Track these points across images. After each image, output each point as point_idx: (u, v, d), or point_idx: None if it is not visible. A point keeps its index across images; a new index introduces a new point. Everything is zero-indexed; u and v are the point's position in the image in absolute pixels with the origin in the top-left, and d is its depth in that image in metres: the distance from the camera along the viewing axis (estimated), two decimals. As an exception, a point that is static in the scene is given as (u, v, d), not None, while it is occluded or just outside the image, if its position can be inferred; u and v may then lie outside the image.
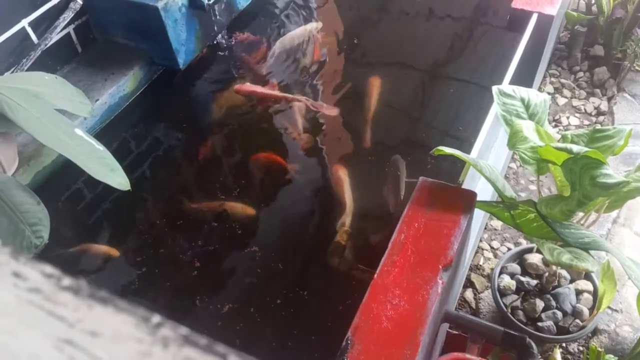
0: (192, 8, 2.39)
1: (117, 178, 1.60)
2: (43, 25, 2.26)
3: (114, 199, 2.10)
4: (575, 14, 2.63)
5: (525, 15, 1.99)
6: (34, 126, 1.56)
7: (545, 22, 1.99)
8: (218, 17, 2.59)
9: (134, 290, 1.85)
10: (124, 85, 2.38)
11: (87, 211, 2.12)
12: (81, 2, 2.31)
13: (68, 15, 2.29)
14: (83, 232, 2.07)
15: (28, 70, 2.17)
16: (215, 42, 2.70)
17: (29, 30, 2.21)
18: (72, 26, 2.40)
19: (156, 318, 0.25)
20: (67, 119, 1.68)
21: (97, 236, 2.04)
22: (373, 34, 2.82)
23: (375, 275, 1.23)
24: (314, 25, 2.80)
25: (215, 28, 2.61)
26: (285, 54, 2.71)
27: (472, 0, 3.03)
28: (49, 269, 0.25)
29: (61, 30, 2.32)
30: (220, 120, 2.45)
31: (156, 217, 2.11)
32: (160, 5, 2.23)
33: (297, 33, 2.78)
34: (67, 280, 0.25)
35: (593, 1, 2.67)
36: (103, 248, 1.96)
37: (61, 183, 2.16)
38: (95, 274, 1.93)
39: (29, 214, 1.52)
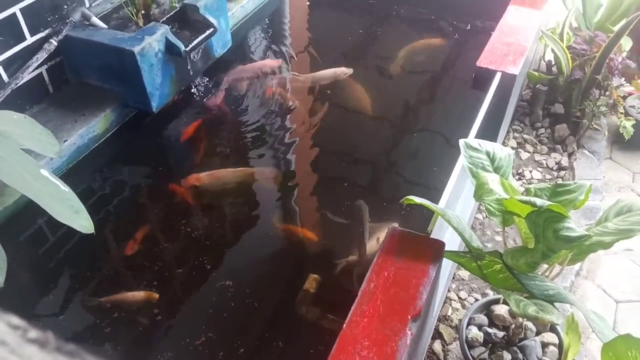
0: (168, 54, 2.43)
1: (80, 220, 1.56)
2: (15, 64, 2.24)
3: (77, 241, 2.04)
4: (536, 73, 2.77)
5: (489, 74, 2.09)
6: (-2, 165, 1.52)
7: (508, 80, 2.10)
8: (194, 63, 2.63)
9: (105, 333, 1.78)
10: (94, 127, 2.36)
11: (49, 254, 2.04)
12: (56, 44, 2.32)
13: (42, 55, 2.28)
14: (44, 275, 1.98)
15: (-4, 108, 2.13)
16: (190, 87, 2.73)
17: (0, 69, 2.19)
18: (45, 67, 2.39)
19: (124, 372, 0.24)
20: (33, 159, 1.64)
21: (58, 280, 1.96)
22: (343, 86, 2.90)
23: (344, 326, 1.21)
24: (343, 70, 2.92)
25: (191, 73, 2.65)
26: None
27: (439, 59, 3.17)
28: (15, 320, 0.24)
29: (33, 70, 2.31)
30: (189, 162, 2.44)
31: (119, 259, 2.05)
32: (136, 50, 2.25)
33: (325, 73, 2.91)
34: (33, 333, 0.24)
35: (553, 62, 2.83)
36: (141, 294, 1.89)
37: (23, 224, 2.08)
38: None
39: (-15, 256, 1.45)
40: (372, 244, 2.04)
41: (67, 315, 1.86)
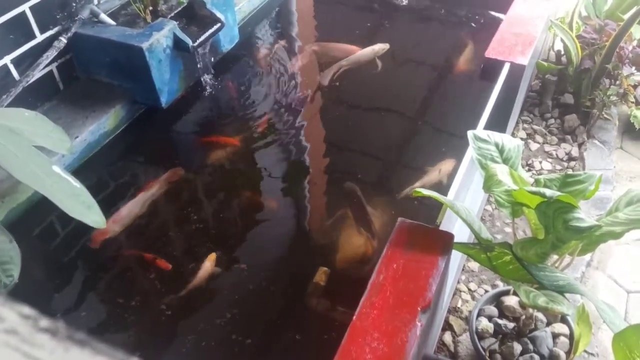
0: (176, 49, 2.44)
1: (92, 216, 1.58)
2: (25, 62, 2.26)
3: (89, 237, 2.06)
4: (545, 63, 2.75)
5: (498, 65, 2.07)
6: (11, 162, 1.54)
7: (517, 71, 2.08)
8: (202, 58, 2.64)
9: (118, 323, 1.81)
10: (104, 123, 2.38)
11: (61, 249, 2.07)
12: (65, 41, 2.33)
13: (51, 53, 2.30)
14: (57, 270, 2.01)
15: (8, 106, 2.16)
16: (198, 82, 2.74)
17: (11, 67, 2.21)
18: (55, 64, 2.41)
19: (134, 361, 0.25)
20: (45, 156, 1.66)
21: (71, 275, 1.99)
22: (352, 79, 2.89)
23: (354, 317, 1.22)
24: (380, 46, 2.94)
25: (199, 69, 2.66)
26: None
27: (448, 49, 3.15)
28: (26, 309, 0.25)
29: (44, 68, 2.33)
30: (199, 156, 2.46)
31: (130, 253, 2.08)
32: (145, 46, 2.26)
33: (364, 52, 2.93)
34: (44, 322, 0.25)
35: (562, 52, 2.80)
36: (206, 264, 1.95)
37: (36, 220, 2.11)
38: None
39: (0, 251, 1.48)
40: (434, 176, 2.19)
41: (80, 308, 1.89)
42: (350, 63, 2.89)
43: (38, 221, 2.12)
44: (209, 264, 1.94)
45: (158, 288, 1.91)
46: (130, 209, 2.13)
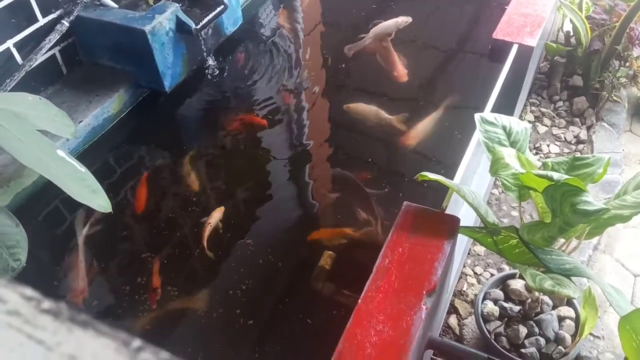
0: (179, 32, 2.41)
1: (98, 200, 1.58)
2: (28, 46, 2.25)
3: (95, 220, 2.07)
4: (554, 45, 2.70)
5: (506, 46, 2.04)
6: (15, 147, 1.54)
7: (525, 52, 2.05)
8: (205, 41, 2.61)
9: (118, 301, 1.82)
10: (108, 107, 2.38)
11: (68, 233, 2.08)
12: (68, 25, 2.32)
13: (54, 37, 2.28)
14: (63, 254, 2.02)
15: (11, 90, 2.15)
16: (202, 65, 2.72)
17: (14, 51, 2.20)
18: (58, 48, 2.39)
19: (137, 342, 0.24)
20: (49, 140, 1.66)
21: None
22: (358, 61, 2.86)
23: (360, 301, 1.22)
24: (403, 19, 2.97)
25: (203, 51, 2.63)
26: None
27: (455, 31, 3.10)
28: (29, 291, 0.25)
29: (46, 52, 2.32)
30: (203, 140, 2.45)
31: (138, 239, 2.08)
32: (147, 29, 2.24)
33: (387, 24, 2.97)
34: (47, 303, 0.24)
35: (572, 33, 2.75)
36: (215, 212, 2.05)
37: (41, 205, 2.12)
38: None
39: (7, 236, 1.49)
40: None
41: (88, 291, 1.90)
42: (372, 36, 2.89)
43: (44, 205, 2.13)
44: (216, 212, 2.04)
45: (162, 269, 1.92)
46: (80, 258, 1.99)
